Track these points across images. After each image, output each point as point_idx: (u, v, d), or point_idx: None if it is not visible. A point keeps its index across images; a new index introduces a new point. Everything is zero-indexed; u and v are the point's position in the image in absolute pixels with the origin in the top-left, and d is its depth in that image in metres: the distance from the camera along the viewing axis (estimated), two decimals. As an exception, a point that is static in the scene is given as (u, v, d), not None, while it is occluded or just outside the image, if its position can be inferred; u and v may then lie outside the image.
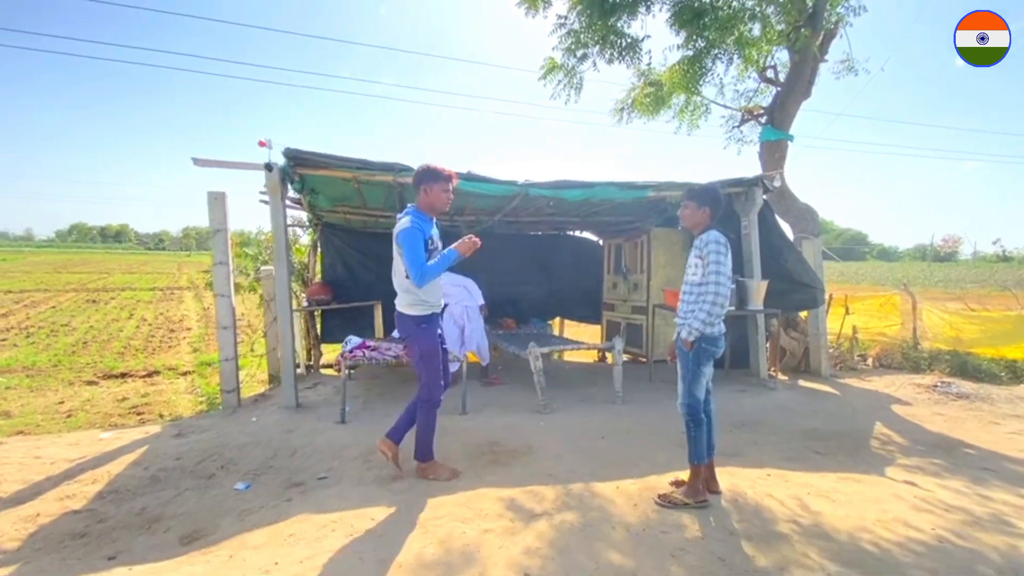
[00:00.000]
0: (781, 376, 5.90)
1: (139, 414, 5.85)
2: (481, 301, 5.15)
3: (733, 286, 4.90)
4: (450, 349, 4.86)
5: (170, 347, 11.12)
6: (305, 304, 6.33)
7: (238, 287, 7.49)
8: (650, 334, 6.60)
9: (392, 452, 2.90)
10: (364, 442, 3.50)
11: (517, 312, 7.23)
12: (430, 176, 2.73)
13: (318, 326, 6.65)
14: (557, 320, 8.29)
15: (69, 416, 6.56)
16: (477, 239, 2.74)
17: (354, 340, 4.36)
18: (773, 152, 6.56)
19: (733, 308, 4.97)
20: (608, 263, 7.50)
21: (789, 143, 6.62)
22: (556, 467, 3.09)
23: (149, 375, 8.82)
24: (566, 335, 8.47)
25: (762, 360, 5.54)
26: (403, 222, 2.67)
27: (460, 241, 2.72)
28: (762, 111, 6.95)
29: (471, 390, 4.89)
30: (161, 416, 6.50)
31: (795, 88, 6.41)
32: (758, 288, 5.09)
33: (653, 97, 6.41)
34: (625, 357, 7.39)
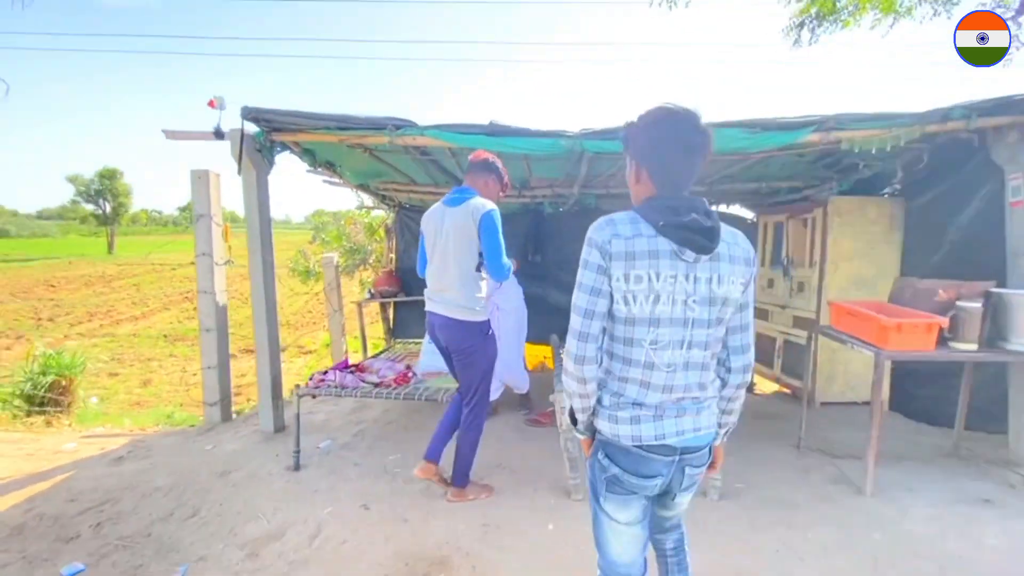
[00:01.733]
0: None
1: (236, 395, 5.93)
2: (521, 299, 3.77)
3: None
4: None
5: (315, 324, 12.02)
6: (368, 295, 5.70)
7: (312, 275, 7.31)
8: (813, 364, 4.33)
9: (431, 475, 2.58)
10: (283, 512, 2.49)
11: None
12: (498, 171, 2.54)
13: (391, 319, 5.99)
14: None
15: (187, 391, 7.17)
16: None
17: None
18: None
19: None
20: (762, 249, 5.26)
21: None
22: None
23: (277, 352, 9.44)
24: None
25: (1037, 437, 2.97)
26: (482, 202, 2.36)
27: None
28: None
29: (504, 432, 3.54)
30: (248, 401, 6.56)
31: None
32: (1036, 309, 2.61)
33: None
34: (778, 389, 5.07)
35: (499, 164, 2.55)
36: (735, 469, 2.92)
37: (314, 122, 3.14)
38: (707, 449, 1.26)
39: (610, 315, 1.19)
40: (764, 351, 5.22)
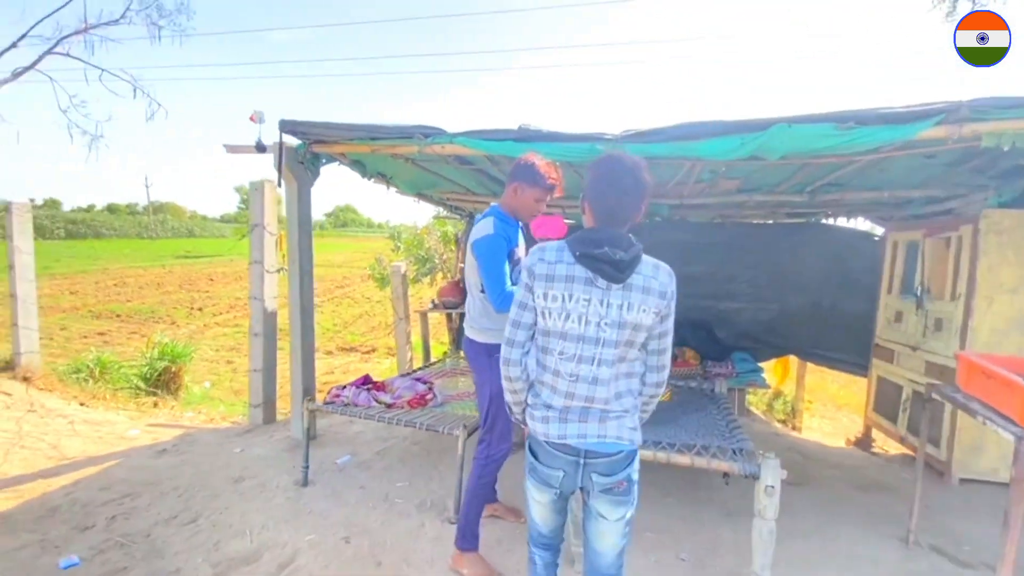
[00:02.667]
0: None
1: (319, 390, 6.31)
2: None
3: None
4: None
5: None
6: (431, 305, 5.66)
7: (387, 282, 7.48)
8: (950, 424, 3.39)
9: (496, 512, 2.60)
10: (270, 532, 2.42)
11: (709, 342, 4.84)
12: (527, 175, 2.15)
13: (456, 329, 5.92)
14: (788, 360, 5.34)
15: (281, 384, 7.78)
16: None
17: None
18: None
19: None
20: (890, 274, 4.27)
21: None
22: None
23: (368, 352, 9.94)
24: (806, 387, 5.39)
25: None
26: (483, 226, 2.17)
27: None
28: None
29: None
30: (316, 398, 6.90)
31: None
32: None
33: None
34: (902, 451, 3.88)
35: (531, 164, 2.17)
36: (803, 560, 2.27)
37: (346, 133, 3.11)
38: (618, 460, 1.38)
39: (537, 327, 1.40)
40: (887, 401, 4.21)
